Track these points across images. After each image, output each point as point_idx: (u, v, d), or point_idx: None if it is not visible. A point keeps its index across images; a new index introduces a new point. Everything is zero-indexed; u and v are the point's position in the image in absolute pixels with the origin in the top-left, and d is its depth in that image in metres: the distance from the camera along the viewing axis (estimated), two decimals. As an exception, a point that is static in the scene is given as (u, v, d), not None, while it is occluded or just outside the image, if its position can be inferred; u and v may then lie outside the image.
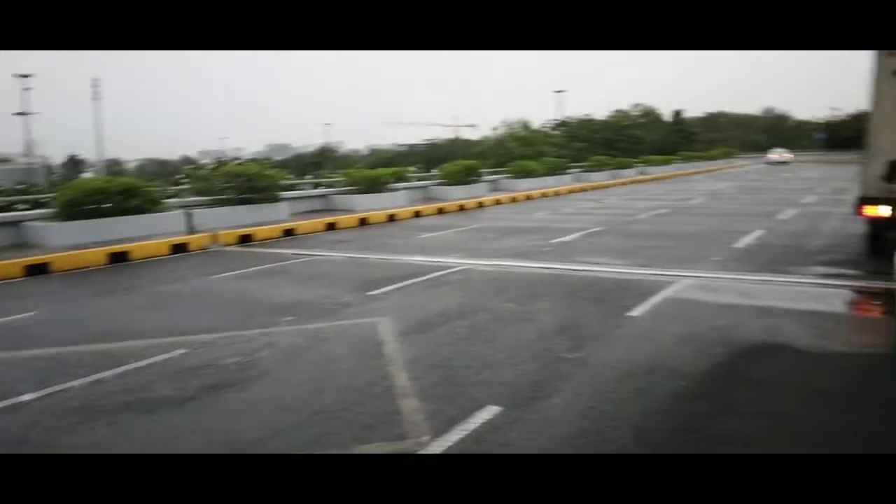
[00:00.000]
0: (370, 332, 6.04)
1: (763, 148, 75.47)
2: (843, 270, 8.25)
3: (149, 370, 5.18)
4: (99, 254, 11.02)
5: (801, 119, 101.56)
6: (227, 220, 14.51)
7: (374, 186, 19.60)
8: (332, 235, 14.38)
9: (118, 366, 5.24)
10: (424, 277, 8.68)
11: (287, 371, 5.06)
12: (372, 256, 10.91)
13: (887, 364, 4.74)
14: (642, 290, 7.38)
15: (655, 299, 6.96)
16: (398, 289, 8.02)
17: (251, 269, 9.96)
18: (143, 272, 10.17)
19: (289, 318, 6.69)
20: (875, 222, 8.63)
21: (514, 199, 23.33)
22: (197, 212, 14.33)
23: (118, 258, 11.16)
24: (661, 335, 5.65)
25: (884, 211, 8.18)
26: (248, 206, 15.44)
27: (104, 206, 12.85)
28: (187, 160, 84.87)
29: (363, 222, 16.47)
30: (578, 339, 5.62)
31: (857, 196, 8.89)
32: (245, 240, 13.44)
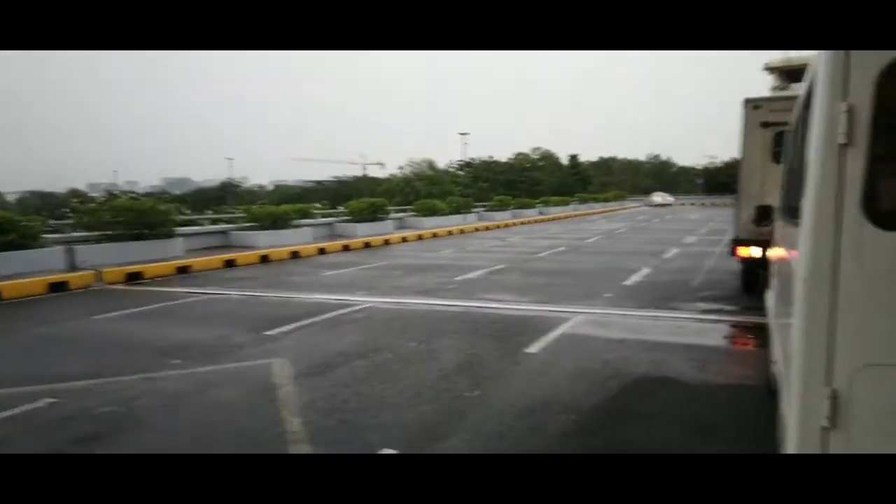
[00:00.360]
0: (264, 375, 5.77)
1: (650, 191, 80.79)
2: (720, 306, 8.85)
3: (9, 423, 4.66)
4: (-40, 293, 9.95)
5: (682, 165, 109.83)
6: (116, 257, 13.59)
7: (277, 222, 19.11)
8: (230, 273, 13.80)
9: (-28, 419, 4.68)
10: (326, 316, 8.47)
11: (168, 420, 4.71)
12: (272, 295, 10.54)
13: (757, 394, 5.08)
14: (540, 327, 7.56)
15: (552, 335, 7.14)
16: (298, 328, 7.77)
17: (138, 310, 9.33)
18: (14, 313, 9.27)
19: (175, 362, 6.28)
20: (747, 262, 9.22)
21: (420, 237, 23.48)
22: (82, 248, 13.34)
23: (-16, 298, 10.12)
24: (556, 371, 5.77)
25: (755, 252, 8.74)
26: (139, 242, 14.56)
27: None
28: (75, 193, 79.36)
29: (265, 259, 15.95)
30: (478, 377, 5.64)
31: (731, 238, 9.53)
32: (134, 278, 12.62)
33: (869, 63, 2.03)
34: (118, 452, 4.11)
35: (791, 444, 2.24)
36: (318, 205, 30.48)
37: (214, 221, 21.87)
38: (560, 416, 4.65)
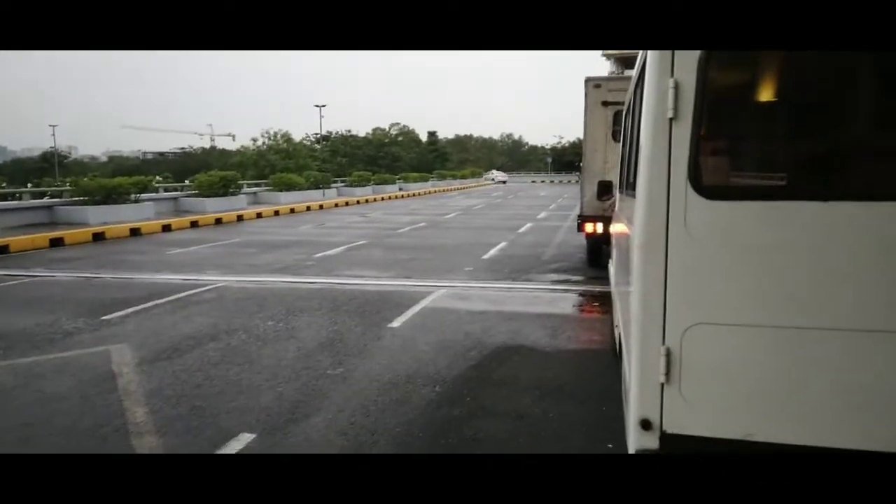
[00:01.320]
0: (102, 364, 5.25)
1: (504, 169, 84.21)
2: (570, 277, 9.46)
3: None
4: None
5: (533, 144, 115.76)
6: None
7: (111, 197, 17.40)
8: (58, 252, 12.36)
9: None
10: (172, 297, 7.88)
11: (-15, 419, 4.14)
12: (109, 276, 9.60)
13: (605, 357, 5.50)
14: (402, 302, 7.61)
15: (415, 309, 7.22)
16: (140, 311, 7.15)
17: (-60, 296, 8.07)
18: None
19: (-8, 354, 5.52)
20: (592, 237, 9.66)
21: (277, 213, 22.60)
22: None
23: None
24: (419, 344, 5.84)
25: (599, 228, 9.19)
26: (-62, 218, 12.58)
27: None
28: None
29: (99, 237, 14.49)
30: (341, 354, 5.55)
31: (577, 215, 9.98)
32: (-67, 260, 10.89)
33: None
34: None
35: (632, 399, 2.44)
36: (159, 178, 28.23)
37: (36, 196, 19.48)
38: (424, 388, 4.71)
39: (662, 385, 2.32)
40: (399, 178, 44.01)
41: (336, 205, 27.50)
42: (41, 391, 4.64)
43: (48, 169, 66.64)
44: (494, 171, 69.85)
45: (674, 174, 2.25)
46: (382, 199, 33.72)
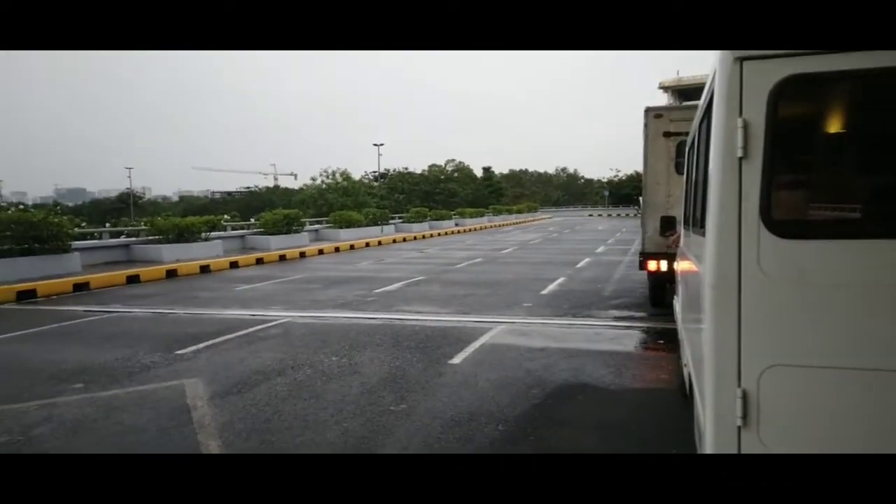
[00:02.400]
0: (177, 397, 5.48)
1: (561, 203, 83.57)
2: (632, 313, 9.27)
3: None
4: None
5: (589, 177, 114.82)
6: (4, 275, 12.55)
7: (183, 235, 18.27)
8: (134, 289, 13.03)
9: None
10: (241, 332, 8.16)
11: (69, 450, 4.36)
12: (181, 312, 10.04)
13: (672, 397, 5.35)
14: (462, 338, 7.63)
15: (475, 345, 7.23)
16: (211, 346, 7.44)
17: (32, 331, 8.62)
18: None
19: (77, 386, 5.85)
20: (655, 275, 9.07)
21: (337, 249, 23.15)
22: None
23: None
24: (480, 381, 5.84)
25: (663, 265, 8.66)
26: (30, 257, 13.48)
27: None
28: (-47, 205, 72.52)
29: (172, 274, 15.19)
30: (403, 390, 5.61)
31: (639, 251, 9.41)
32: (26, 296, 11.67)
33: (761, 80, 2.21)
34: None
35: (708, 443, 2.38)
36: (227, 216, 29.43)
37: (114, 234, 20.62)
38: (487, 426, 4.70)
39: (739, 429, 2.26)
40: (455, 214, 44.38)
41: (394, 241, 27.94)
42: (121, 423, 4.87)
43: (124, 209, 70.54)
44: None
45: (745, 213, 2.23)
46: (439, 234, 34.05)
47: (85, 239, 18.18)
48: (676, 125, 8.43)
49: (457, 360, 6.63)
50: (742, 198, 2.24)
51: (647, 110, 8.83)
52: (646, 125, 8.80)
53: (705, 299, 2.39)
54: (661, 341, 7.41)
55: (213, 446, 4.35)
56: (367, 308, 9.99)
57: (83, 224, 23.24)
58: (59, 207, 20.59)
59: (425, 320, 8.88)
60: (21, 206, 17.36)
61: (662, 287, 9.22)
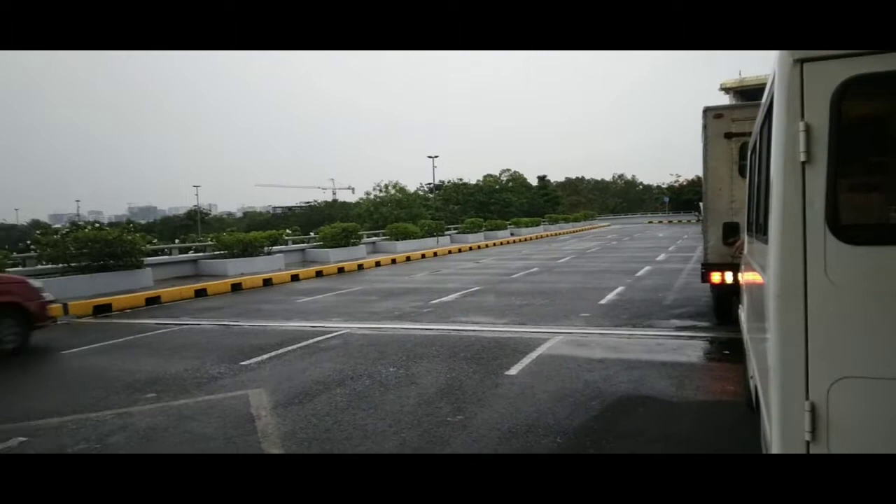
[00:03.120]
0: (242, 407, 5.66)
1: (618, 211, 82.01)
2: (695, 322, 8.99)
3: (-25, 467, 4.47)
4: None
5: (648, 184, 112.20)
6: (82, 290, 13.30)
7: (247, 250, 18.92)
8: (202, 303, 13.56)
9: (-65, 464, 4.49)
10: (302, 344, 8.37)
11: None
12: (245, 323, 10.38)
13: (740, 410, 5.16)
14: (519, 349, 7.59)
15: (532, 356, 7.17)
16: (274, 357, 7.66)
17: (108, 343, 9.10)
18: (-27, 351, 8.93)
19: (150, 396, 6.13)
20: (720, 288, 8.35)
21: (394, 261, 23.44)
22: (46, 281, 12.97)
23: (-57, 336, 9.74)
24: (538, 393, 5.79)
25: (728, 277, 7.94)
26: (105, 273, 14.26)
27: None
28: (37, 225, 77.47)
29: (236, 287, 15.74)
30: (460, 401, 5.62)
31: (702, 262, 8.67)
32: (102, 310, 12.32)
33: (823, 82, 2.13)
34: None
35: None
36: (288, 231, 30.26)
37: (183, 250, 21.53)
38: (545, 438, 4.65)
39: (808, 444, 2.16)
40: (510, 224, 44.21)
41: (449, 251, 28.06)
42: (190, 432, 5.08)
43: (192, 225, 73.59)
44: None
45: (810, 219, 2.15)
46: (494, 244, 33.99)
47: (156, 255, 19.07)
48: (739, 125, 7.87)
49: (513, 371, 6.59)
50: (806, 203, 2.16)
51: (706, 110, 8.29)
52: (705, 126, 8.28)
53: (770, 309, 2.31)
54: (727, 352, 7.15)
55: (275, 454, 4.47)
56: (424, 319, 10.07)
57: (154, 241, 24.41)
58: (131, 225, 21.71)
59: (481, 331, 8.87)
60: (97, 225, 18.37)
61: (728, 300, 8.21)
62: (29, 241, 18.60)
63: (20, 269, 13.96)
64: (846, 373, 2.11)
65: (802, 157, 2.15)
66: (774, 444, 2.28)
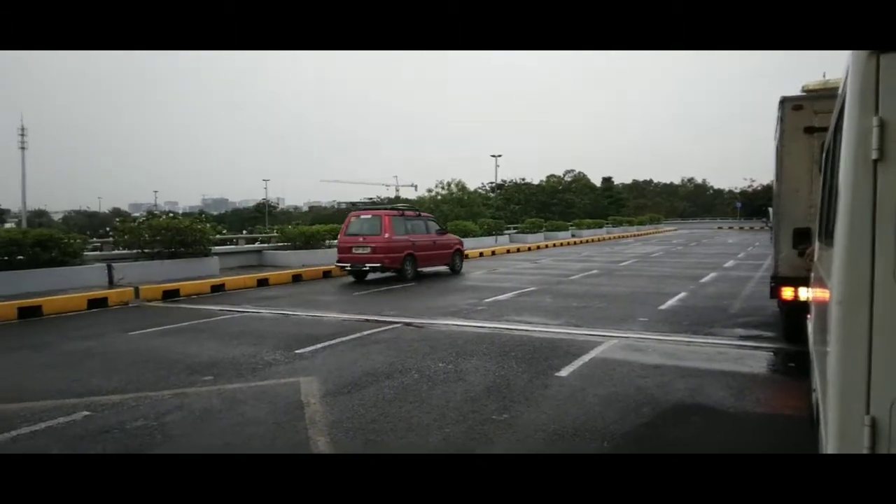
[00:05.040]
0: (293, 393, 5.79)
1: (687, 215, 79.42)
2: (759, 332, 8.58)
3: (45, 434, 4.76)
4: (7, 308, 10.28)
5: (719, 188, 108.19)
6: (153, 275, 13.94)
7: (309, 242, 19.37)
8: (263, 292, 13.98)
9: (9, 430, 4.80)
10: (355, 335, 8.49)
11: (196, 436, 4.74)
12: (303, 313, 10.63)
13: (801, 425, 4.88)
14: (571, 351, 7.44)
15: (584, 359, 7.02)
16: (327, 347, 7.79)
17: (173, 326, 9.50)
18: (54, 328, 9.53)
19: (207, 378, 6.35)
20: (791, 305, 7.27)
21: (451, 259, 23.45)
22: (121, 265, 13.71)
23: (29, 313, 10.45)
24: (588, 396, 5.65)
25: (803, 294, 6.73)
26: (175, 260, 14.91)
27: (18, 258, 12.12)
28: (118, 213, 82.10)
29: (297, 279, 16.13)
30: (507, 399, 5.55)
31: (771, 275, 7.75)
32: (170, 295, 12.88)
33: None
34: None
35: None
36: (351, 225, 30.79)
37: (250, 241, 22.28)
38: (591, 442, 4.53)
39: (869, 461, 2.00)
40: (572, 225, 43.55)
41: (508, 251, 27.87)
42: (242, 415, 5.22)
43: (260, 218, 76.16)
44: None
45: (880, 222, 1.99)
46: (554, 245, 33.54)
47: (224, 244, 19.80)
48: (822, 118, 6.67)
49: (564, 372, 6.47)
50: (877, 204, 2.00)
51: (784, 101, 7.24)
52: (781, 119, 7.26)
53: (832, 317, 2.15)
54: (792, 364, 6.78)
55: (321, 442, 4.54)
56: (477, 317, 10.03)
57: (224, 231, 25.40)
58: (203, 215, 22.66)
59: (534, 331, 8.76)
60: (171, 214, 19.25)
61: (800, 319, 6.70)
62: (108, 228, 19.69)
63: (97, 253, 14.77)
64: None
65: (875, 155, 1.99)
66: (830, 460, 2.13)
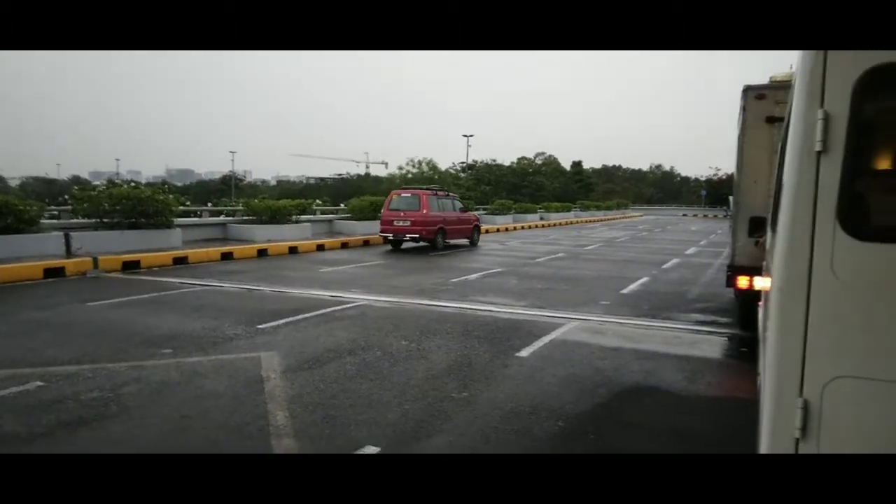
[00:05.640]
0: (253, 368, 5.77)
1: (653, 201, 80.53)
2: (715, 318, 8.84)
3: (-5, 405, 4.66)
4: (-45, 275, 9.96)
5: (686, 175, 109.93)
6: (112, 245, 13.61)
7: (275, 217, 19.12)
8: (227, 265, 13.80)
9: (-43, 400, 4.68)
10: (319, 312, 8.47)
11: (152, 408, 4.70)
12: (267, 289, 10.54)
13: (748, 408, 5.07)
14: (533, 332, 7.56)
15: (545, 340, 7.14)
16: (290, 323, 7.76)
17: (132, 298, 9.33)
18: (8, 297, 9.27)
19: (166, 351, 6.28)
20: (746, 294, 7.38)
21: (419, 238, 23.45)
22: (79, 235, 13.34)
23: (-21, 280, 10.14)
24: (546, 376, 5.77)
25: (758, 284, 6.64)
26: (136, 231, 14.58)
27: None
28: (77, 181, 79.60)
29: (262, 253, 15.96)
30: (467, 378, 5.63)
31: (728, 264, 7.79)
32: (130, 266, 12.62)
33: (846, 70, 2.03)
34: (104, 439, 4.11)
35: (764, 452, 2.24)
36: (318, 201, 30.50)
37: (214, 213, 21.89)
38: (547, 421, 4.64)
39: (797, 441, 2.11)
40: (541, 208, 43.83)
41: (477, 232, 27.93)
42: (201, 388, 5.19)
43: (226, 190, 74.72)
44: None
45: (820, 212, 2.07)
46: (523, 227, 33.77)
47: (187, 216, 19.42)
48: (783, 109, 6.65)
49: (524, 353, 6.57)
50: (818, 195, 2.08)
51: (747, 89, 7.22)
52: (743, 108, 7.22)
53: (771, 303, 2.24)
54: (745, 349, 7.02)
55: (279, 416, 4.55)
56: (442, 296, 10.08)
57: (188, 203, 24.84)
58: (166, 186, 22.11)
59: (498, 312, 8.86)
60: (133, 184, 18.76)
61: (755, 307, 6.58)
62: (66, 196, 19.12)
63: (55, 221, 14.35)
64: (844, 372, 2.04)
65: (818, 147, 2.07)
66: (763, 439, 2.24)
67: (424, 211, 18.31)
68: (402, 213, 18.42)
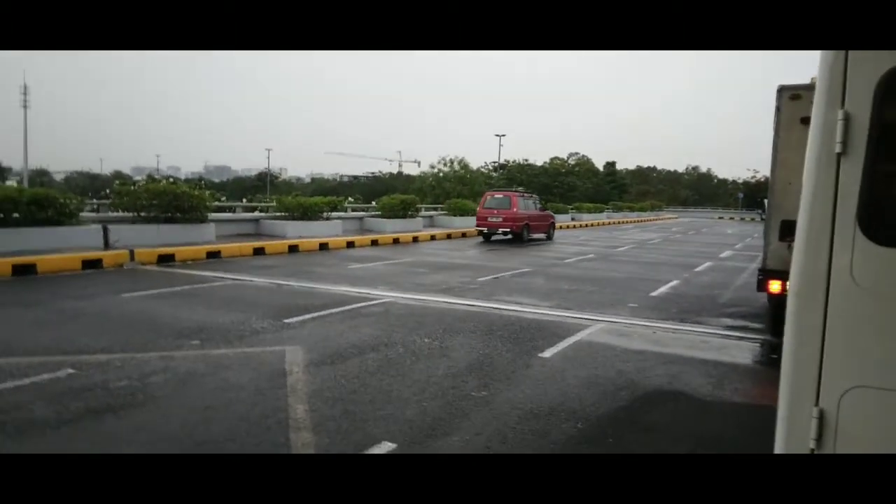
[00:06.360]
0: (277, 361, 5.85)
1: (689, 203, 78.96)
2: (746, 323, 8.64)
3: (28, 390, 4.83)
4: (1, 264, 10.34)
5: (723, 178, 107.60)
6: (149, 239, 13.98)
7: (307, 214, 19.37)
8: (258, 260, 14.03)
9: (-6, 385, 4.87)
10: (345, 308, 8.55)
11: (178, 398, 4.81)
12: (296, 284, 10.68)
13: (773, 416, 4.94)
14: (557, 332, 7.50)
15: (569, 341, 7.08)
16: (316, 318, 7.85)
17: (165, 290, 9.56)
18: (47, 287, 9.59)
19: (194, 343, 6.41)
20: (779, 299, 7.17)
21: (449, 236, 23.50)
22: (117, 228, 13.73)
23: (23, 270, 10.51)
24: (568, 377, 5.72)
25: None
26: (172, 225, 14.93)
27: (13, 215, 12.14)
28: (119, 175, 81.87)
29: (293, 249, 16.17)
30: (488, 377, 5.62)
31: (759, 267, 7.75)
32: (165, 259, 12.93)
33: (868, 70, 1.96)
34: (129, 427, 4.23)
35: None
36: (350, 199, 30.77)
37: (248, 209, 22.26)
38: (566, 423, 4.60)
39: (812, 451, 2.05)
40: (572, 209, 43.43)
41: (507, 231, 27.85)
42: (225, 380, 5.29)
43: (261, 187, 75.98)
44: None
45: (840, 215, 2.00)
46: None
47: (222, 212, 19.79)
48: None
49: (547, 353, 6.53)
50: (838, 197, 2.01)
51: (782, 90, 7.08)
52: (778, 109, 7.10)
53: (788, 308, 2.18)
54: (775, 356, 6.84)
55: (299, 410, 4.61)
56: (468, 295, 10.08)
57: (223, 199, 25.34)
58: (202, 182, 22.61)
59: (523, 311, 8.81)
60: (171, 180, 19.21)
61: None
62: (108, 190, 19.70)
63: (94, 215, 14.79)
64: (862, 381, 1.98)
65: (838, 149, 2.00)
66: (778, 448, 2.18)
67: (515, 209, 21.63)
68: (495, 211, 21.80)
